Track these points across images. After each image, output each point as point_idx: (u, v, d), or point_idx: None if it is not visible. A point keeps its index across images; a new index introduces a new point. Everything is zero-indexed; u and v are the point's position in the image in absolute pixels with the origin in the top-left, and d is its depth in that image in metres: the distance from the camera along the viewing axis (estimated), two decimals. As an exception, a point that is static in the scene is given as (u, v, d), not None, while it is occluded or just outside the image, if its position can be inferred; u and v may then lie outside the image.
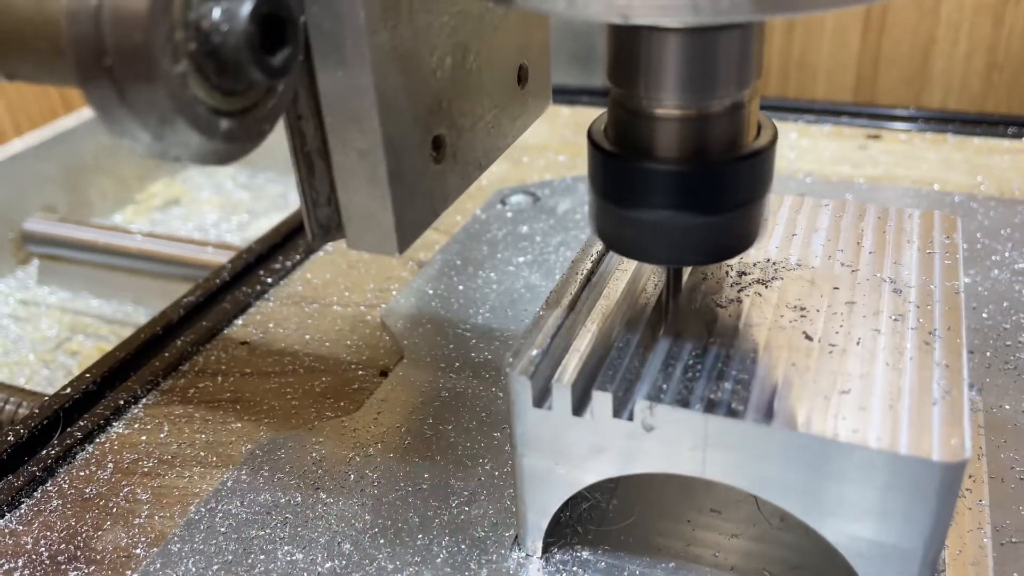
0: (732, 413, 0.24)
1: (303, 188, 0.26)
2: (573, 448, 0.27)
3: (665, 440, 0.25)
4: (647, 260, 0.27)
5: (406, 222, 0.26)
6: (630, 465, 0.27)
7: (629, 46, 0.24)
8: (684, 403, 0.25)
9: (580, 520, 0.31)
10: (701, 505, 0.32)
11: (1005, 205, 0.50)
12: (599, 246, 0.31)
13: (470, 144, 0.29)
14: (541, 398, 0.27)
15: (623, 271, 0.31)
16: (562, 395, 0.26)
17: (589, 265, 0.30)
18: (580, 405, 0.26)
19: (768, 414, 0.24)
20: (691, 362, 0.26)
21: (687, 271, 0.30)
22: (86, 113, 0.85)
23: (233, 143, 0.21)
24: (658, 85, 0.24)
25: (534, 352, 0.27)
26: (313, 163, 0.25)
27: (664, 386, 0.25)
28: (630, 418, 0.26)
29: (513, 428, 0.28)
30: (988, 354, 0.38)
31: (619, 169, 0.25)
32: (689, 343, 0.27)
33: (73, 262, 0.75)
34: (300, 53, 0.22)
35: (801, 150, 0.60)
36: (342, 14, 0.22)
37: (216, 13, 0.19)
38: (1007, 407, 0.35)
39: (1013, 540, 0.30)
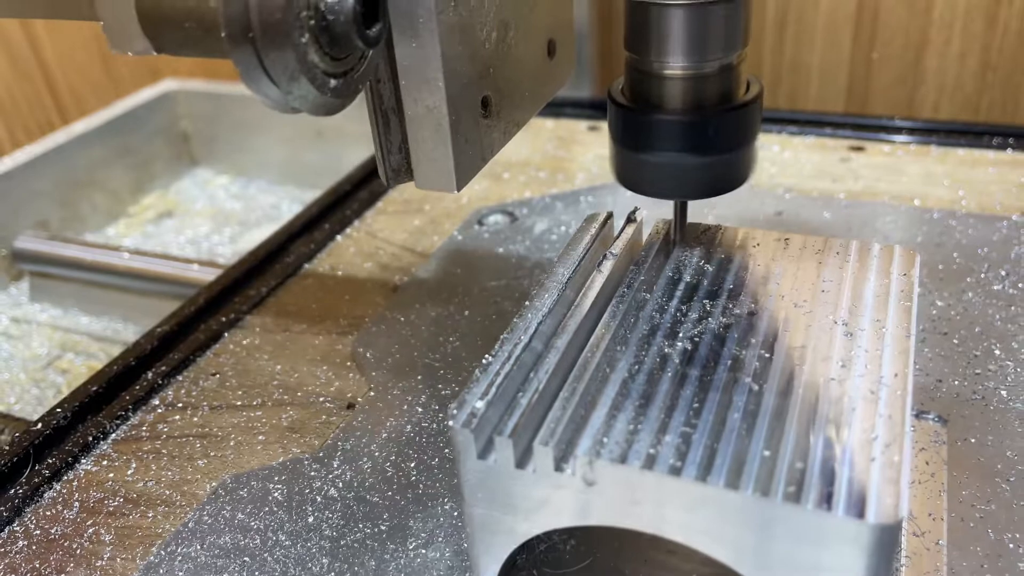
0: (672, 470, 0.24)
1: (379, 140, 0.32)
2: (518, 500, 0.27)
3: (606, 494, 0.25)
4: (658, 195, 0.33)
5: (463, 166, 0.32)
6: (574, 518, 0.26)
7: (641, 19, 0.30)
8: (623, 459, 0.25)
9: (536, 562, 0.31)
10: (660, 545, 0.32)
11: (984, 222, 0.50)
12: (555, 285, 0.31)
13: (511, 105, 0.35)
14: (484, 451, 0.27)
15: (576, 311, 0.31)
16: (504, 448, 0.26)
17: (542, 307, 0.30)
18: (523, 458, 0.26)
19: (706, 472, 0.24)
20: (634, 414, 0.26)
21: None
22: (79, 128, 0.85)
23: (338, 98, 0.27)
24: (665, 51, 0.30)
25: (478, 403, 0.27)
26: (388, 119, 0.32)
27: (605, 440, 0.25)
28: (572, 473, 0.26)
29: (460, 478, 0.28)
30: (956, 383, 0.38)
31: (634, 120, 0.31)
32: (634, 391, 0.27)
33: (64, 279, 0.76)
34: (387, 27, 0.28)
35: (783, 164, 0.59)
36: None
37: None
38: (972, 440, 0.35)
39: (968, 582, 0.29)
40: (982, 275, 0.45)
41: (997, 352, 0.39)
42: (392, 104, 0.32)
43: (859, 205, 0.53)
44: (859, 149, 0.61)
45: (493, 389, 0.27)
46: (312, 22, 0.25)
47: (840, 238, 0.34)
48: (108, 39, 0.30)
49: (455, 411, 0.27)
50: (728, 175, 0.32)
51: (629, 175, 0.33)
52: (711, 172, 0.31)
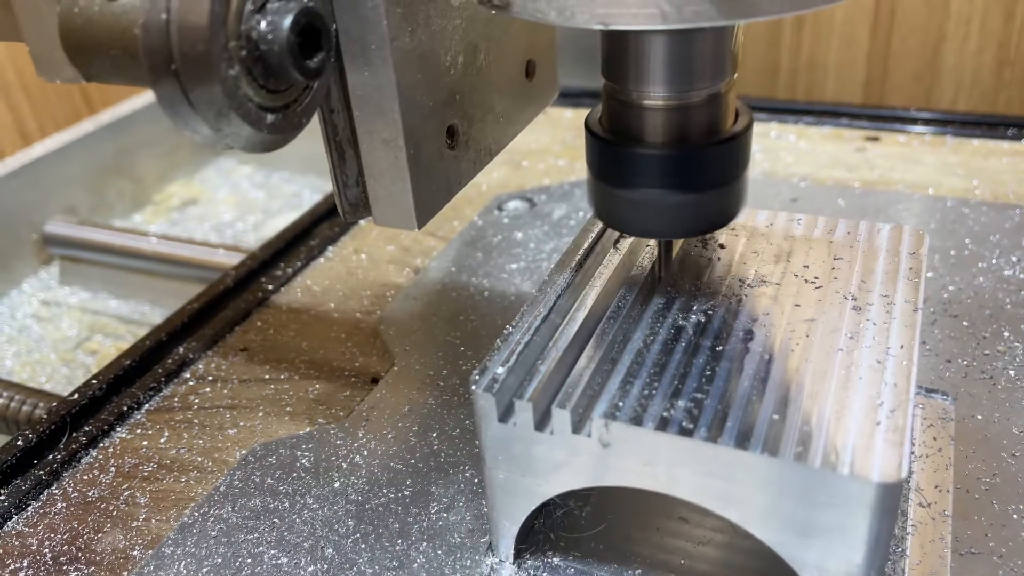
0: (683, 431, 0.25)
1: (335, 172, 0.30)
2: (537, 462, 0.28)
3: (621, 456, 0.27)
4: (640, 234, 0.31)
5: (424, 201, 0.30)
6: (591, 479, 0.28)
7: (619, 46, 0.28)
8: (638, 421, 0.26)
9: (554, 527, 0.33)
10: (672, 512, 0.33)
11: (997, 210, 0.50)
12: (572, 262, 0.32)
13: (481, 133, 0.33)
14: (505, 414, 0.28)
15: (593, 287, 0.32)
16: (524, 411, 0.27)
17: (561, 282, 0.32)
18: (542, 421, 0.28)
19: (717, 433, 0.25)
20: (649, 380, 0.27)
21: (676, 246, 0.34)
22: (105, 117, 0.87)
23: (277, 134, 0.25)
24: (644, 80, 0.27)
25: (500, 369, 0.28)
26: (344, 150, 0.29)
27: (620, 403, 0.27)
28: (589, 435, 0.27)
29: (481, 441, 0.29)
30: (965, 363, 0.39)
31: (613, 154, 0.29)
32: (649, 359, 0.28)
33: (93, 263, 0.77)
34: (332, 57, 0.26)
35: (799, 153, 0.60)
36: (368, 22, 0.26)
37: (263, 25, 0.23)
38: (979, 417, 0.36)
39: (972, 551, 0.30)
40: (993, 261, 0.46)
41: (1006, 334, 0.40)
42: (347, 135, 0.29)
43: (873, 193, 0.54)
44: (875, 139, 0.61)
45: (514, 357, 0.28)
46: (244, 52, 0.23)
47: (850, 219, 0.35)
48: (35, 66, 0.28)
49: (477, 377, 0.28)
50: (715, 212, 0.29)
51: (608, 211, 0.30)
52: (697, 210, 0.29)
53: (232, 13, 0.23)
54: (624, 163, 0.29)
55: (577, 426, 0.27)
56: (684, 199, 0.28)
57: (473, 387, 0.28)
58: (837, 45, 0.84)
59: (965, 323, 0.41)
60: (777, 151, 0.61)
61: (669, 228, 0.29)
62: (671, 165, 0.28)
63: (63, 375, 0.68)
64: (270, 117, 0.25)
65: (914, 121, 0.63)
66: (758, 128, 0.65)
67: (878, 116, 0.64)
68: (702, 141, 0.28)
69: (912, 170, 0.57)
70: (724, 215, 0.30)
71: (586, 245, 0.33)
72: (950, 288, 0.44)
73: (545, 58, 0.37)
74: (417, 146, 0.29)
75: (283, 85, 0.25)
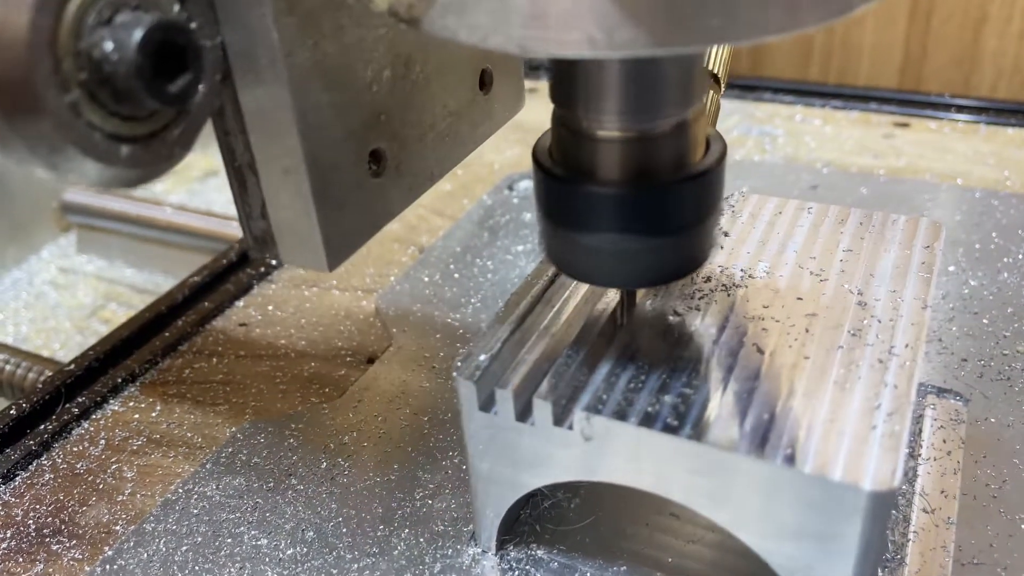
0: (668, 428, 0.24)
1: (237, 201, 0.26)
2: (519, 453, 0.27)
3: (604, 450, 0.26)
4: (594, 283, 0.27)
5: (336, 238, 0.26)
6: (573, 473, 0.27)
7: (567, 66, 0.23)
8: (621, 416, 0.25)
9: (540, 518, 0.32)
10: (663, 508, 0.32)
11: (1028, 203, 0.48)
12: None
13: (418, 155, 0.29)
14: (487, 403, 0.27)
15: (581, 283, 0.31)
16: (505, 401, 0.26)
17: (549, 272, 0.30)
18: (524, 412, 0.27)
19: (703, 431, 0.24)
20: (636, 373, 0.26)
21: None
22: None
23: (139, 168, 0.21)
24: (597, 106, 0.23)
25: (482, 357, 0.27)
26: (245, 178, 0.25)
27: (605, 397, 0.25)
28: (571, 428, 0.26)
29: (463, 430, 0.28)
30: (981, 363, 0.37)
31: (563, 191, 0.25)
32: (639, 351, 0.27)
33: (110, 232, 0.78)
34: (207, 78, 0.22)
35: (823, 138, 0.58)
36: (255, 34, 0.22)
37: (107, 42, 0.19)
38: (992, 420, 0.34)
39: (975, 561, 0.29)
40: (1020, 256, 0.44)
41: (1028, 334, 0.38)
42: (247, 160, 0.25)
43: (898, 182, 0.52)
44: (904, 125, 0.59)
45: (498, 345, 0.28)
46: (84, 75, 0.19)
47: (864, 209, 0.33)
48: None
49: (460, 363, 0.27)
50: (682, 258, 0.25)
51: (560, 255, 0.26)
52: (660, 256, 0.25)
53: (66, 27, 0.19)
54: (575, 202, 0.24)
55: (559, 418, 0.26)
56: (645, 244, 0.24)
57: (455, 374, 0.27)
58: (873, 25, 0.81)
59: (985, 321, 0.39)
60: (801, 135, 0.59)
61: (627, 277, 0.25)
62: (630, 205, 0.24)
63: (76, 343, 0.69)
64: (125, 149, 0.20)
65: (947, 107, 0.60)
66: (783, 111, 0.63)
67: (909, 101, 0.61)
68: (666, 177, 0.24)
69: (942, 158, 0.55)
70: (692, 261, 0.26)
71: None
72: (971, 283, 0.42)
73: (506, 67, 0.32)
74: (325, 175, 0.25)
75: (144, 111, 0.20)
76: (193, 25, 0.21)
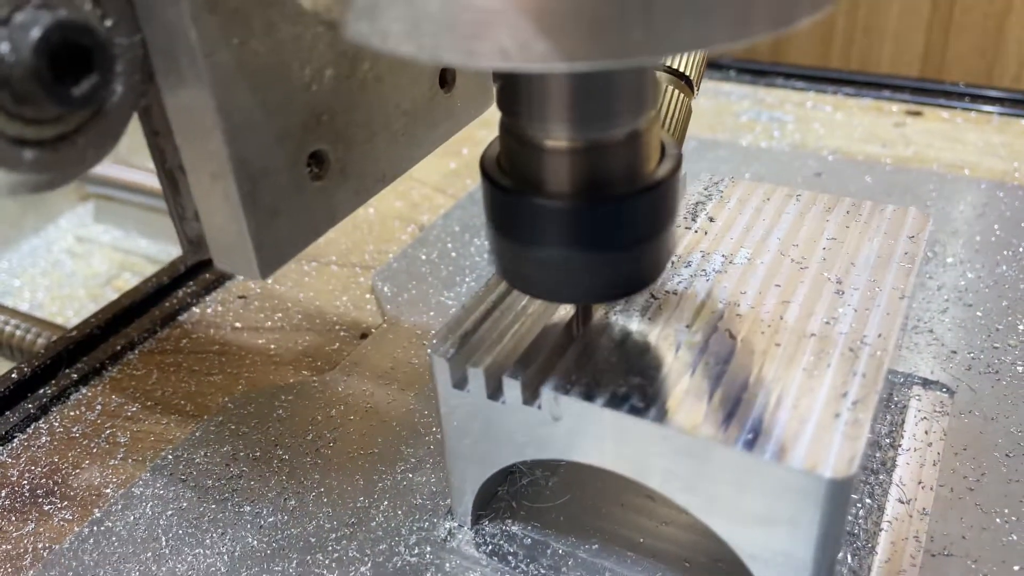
0: (634, 410, 0.25)
1: (170, 203, 0.25)
2: (491, 430, 0.28)
3: (571, 430, 0.26)
4: (545, 298, 0.26)
5: (270, 245, 0.24)
6: (541, 451, 0.27)
7: (508, 72, 0.22)
8: (589, 396, 0.25)
9: (517, 495, 0.32)
10: (640, 489, 0.32)
11: (1034, 195, 0.47)
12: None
13: (368, 157, 0.27)
14: (460, 381, 0.27)
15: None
16: (477, 379, 0.27)
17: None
18: (496, 391, 0.27)
19: (668, 414, 0.24)
20: (607, 355, 0.26)
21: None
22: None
23: (46, 172, 0.19)
24: (543, 114, 0.22)
25: (458, 335, 0.27)
26: (176, 179, 0.24)
27: (574, 377, 0.26)
28: (539, 407, 0.26)
29: (437, 406, 0.28)
30: (971, 355, 0.37)
31: (511, 203, 0.24)
32: (613, 333, 0.27)
33: (127, 203, 0.79)
34: (123, 78, 0.21)
35: (832, 125, 0.58)
36: (173, 32, 0.21)
37: (3, 43, 0.18)
38: (976, 413, 0.34)
39: (946, 552, 0.29)
40: (1020, 249, 0.43)
41: (1021, 327, 0.38)
42: (178, 162, 0.24)
43: (904, 171, 0.51)
44: (916, 114, 0.58)
45: (474, 324, 0.28)
46: None
47: (852, 198, 0.33)
48: None
49: (435, 341, 0.28)
50: (635, 273, 0.25)
51: (510, 269, 0.25)
52: (612, 271, 0.24)
53: None
54: (523, 215, 0.23)
55: (528, 398, 0.26)
56: (597, 259, 0.23)
57: (430, 351, 0.27)
58: (897, 11, 0.80)
59: (979, 313, 0.39)
60: (810, 122, 0.58)
61: (577, 292, 0.25)
62: (580, 219, 0.23)
63: (89, 310, 0.70)
64: (30, 154, 0.19)
65: (961, 96, 0.59)
66: (795, 97, 0.62)
67: (922, 89, 0.60)
68: (619, 189, 0.23)
69: (951, 148, 0.54)
70: (646, 276, 0.25)
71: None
72: (968, 275, 0.42)
73: None
74: (256, 180, 0.23)
75: (49, 114, 0.19)
76: (108, 23, 0.20)
